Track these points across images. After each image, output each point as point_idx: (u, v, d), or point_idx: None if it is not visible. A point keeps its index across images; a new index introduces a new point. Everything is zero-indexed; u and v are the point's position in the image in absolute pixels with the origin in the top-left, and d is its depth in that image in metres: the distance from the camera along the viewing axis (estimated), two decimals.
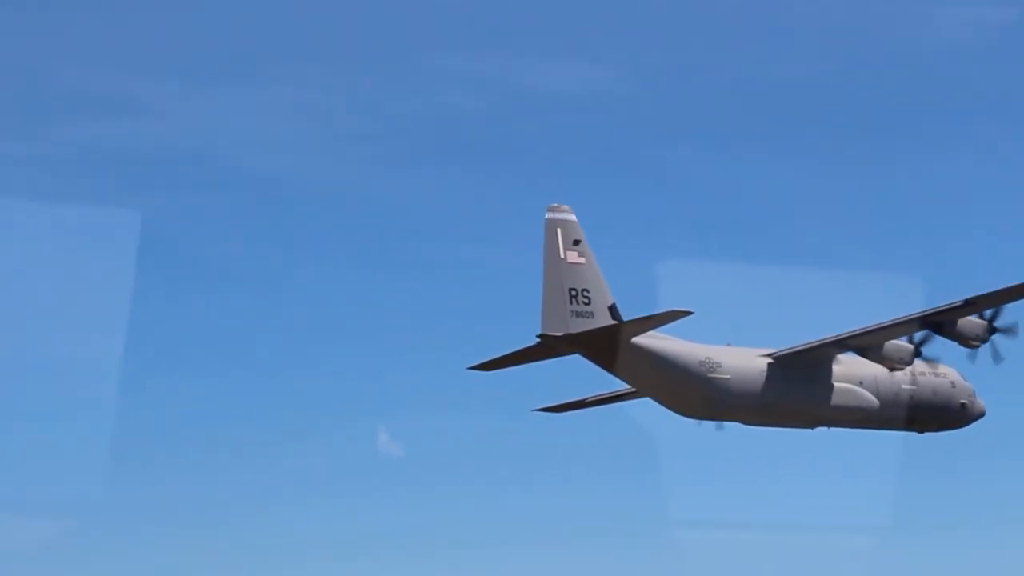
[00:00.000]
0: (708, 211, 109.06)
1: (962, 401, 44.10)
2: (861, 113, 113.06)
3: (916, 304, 40.92)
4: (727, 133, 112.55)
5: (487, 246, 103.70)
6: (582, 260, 40.25)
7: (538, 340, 39.96)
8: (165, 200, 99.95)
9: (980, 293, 39.12)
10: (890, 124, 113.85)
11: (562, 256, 39.96)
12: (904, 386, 43.05)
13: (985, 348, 41.87)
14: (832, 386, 42.07)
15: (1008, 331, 41.42)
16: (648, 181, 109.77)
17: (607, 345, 40.19)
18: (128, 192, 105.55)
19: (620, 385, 44.09)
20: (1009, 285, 38.17)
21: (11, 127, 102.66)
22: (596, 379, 43.50)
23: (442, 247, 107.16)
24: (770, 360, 42.21)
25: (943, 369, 43.89)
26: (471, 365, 43.58)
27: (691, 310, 37.33)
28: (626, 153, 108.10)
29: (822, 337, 42.05)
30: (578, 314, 39.57)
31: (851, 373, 42.37)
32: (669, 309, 38.17)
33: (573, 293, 39.63)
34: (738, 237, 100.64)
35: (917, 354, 42.06)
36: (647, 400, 43.31)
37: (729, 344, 42.84)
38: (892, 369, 42.11)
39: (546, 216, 40.53)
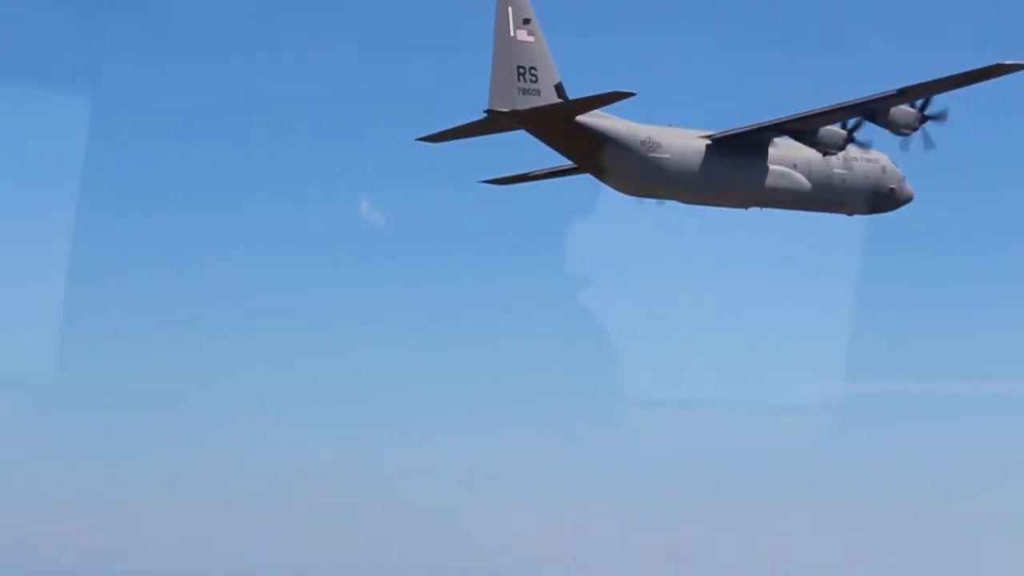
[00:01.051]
0: None
1: (891, 186, 45.85)
2: None
3: (852, 92, 42.11)
4: None
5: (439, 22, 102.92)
6: (531, 39, 40.65)
7: (486, 115, 40.92)
8: None
9: (912, 83, 40.23)
10: None
11: (512, 34, 40.30)
12: (836, 170, 44.61)
13: (916, 136, 43.32)
14: (767, 168, 43.54)
15: (938, 118, 42.79)
16: None
17: (552, 122, 41.26)
18: None
19: (565, 161, 45.53)
20: (940, 76, 39.37)
21: None
22: (542, 155, 44.96)
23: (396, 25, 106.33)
24: (708, 142, 43.47)
25: (875, 155, 45.47)
26: (420, 136, 45.00)
27: (634, 91, 38.27)
28: None
29: (759, 121, 43.33)
30: (525, 91, 40.39)
31: (786, 156, 43.78)
32: (613, 90, 39.07)
33: (521, 71, 40.27)
34: (685, 21, 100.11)
35: (850, 140, 43.46)
36: (589, 176, 44.83)
37: (670, 125, 44.00)
38: (825, 154, 43.50)
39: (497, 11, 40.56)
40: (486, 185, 52.05)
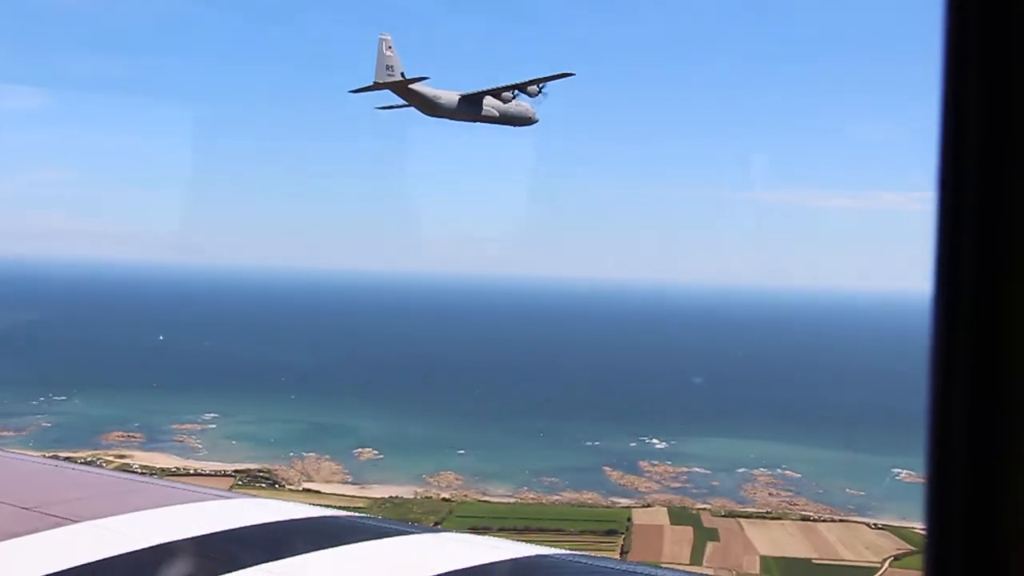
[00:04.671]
0: None
1: (529, 115, 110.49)
2: None
3: (517, 76, 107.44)
4: None
5: None
6: (390, 53, 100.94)
7: (373, 83, 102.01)
8: None
9: (537, 78, 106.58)
10: None
11: (384, 52, 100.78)
12: (509, 107, 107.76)
13: (540, 96, 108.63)
14: (482, 106, 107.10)
15: (543, 91, 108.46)
16: None
17: (397, 87, 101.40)
18: None
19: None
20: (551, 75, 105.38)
21: None
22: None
23: None
24: (459, 96, 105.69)
25: (523, 104, 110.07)
26: (350, 90, 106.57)
27: (428, 76, 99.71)
28: None
29: (479, 89, 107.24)
30: (389, 75, 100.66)
31: (489, 102, 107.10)
32: (417, 76, 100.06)
33: (388, 68, 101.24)
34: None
35: (514, 96, 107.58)
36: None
37: (446, 90, 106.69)
38: (505, 101, 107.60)
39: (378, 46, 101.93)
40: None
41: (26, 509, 8.70)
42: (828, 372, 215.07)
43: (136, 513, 8.68)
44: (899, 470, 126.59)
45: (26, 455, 12.24)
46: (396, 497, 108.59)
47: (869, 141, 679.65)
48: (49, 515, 8.43)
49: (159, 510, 8.89)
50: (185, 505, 9.21)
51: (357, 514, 11.76)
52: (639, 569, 8.20)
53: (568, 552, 8.81)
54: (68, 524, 8.22)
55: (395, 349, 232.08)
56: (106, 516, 8.45)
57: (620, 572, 8.32)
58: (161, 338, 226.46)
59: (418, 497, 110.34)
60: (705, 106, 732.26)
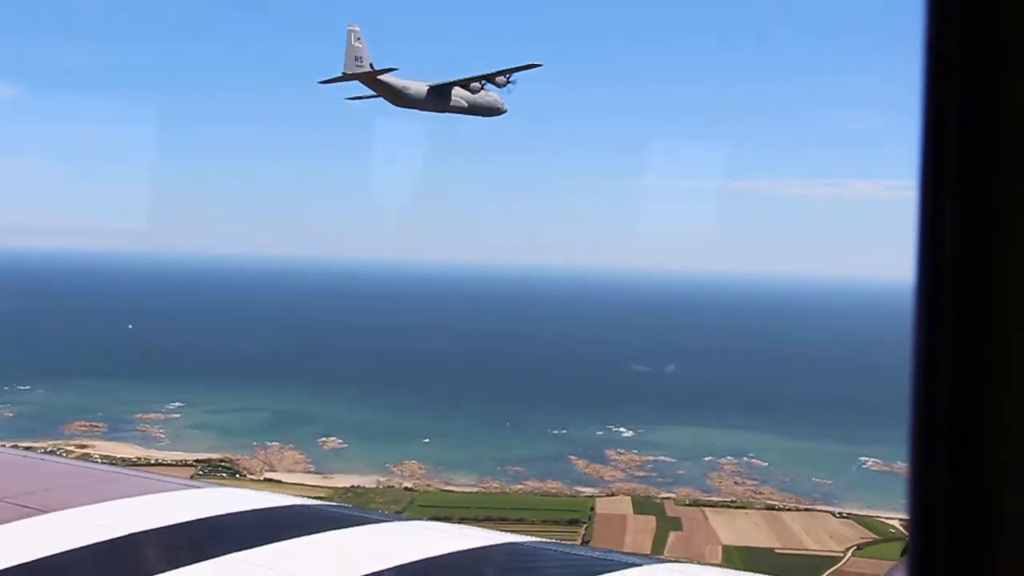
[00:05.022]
0: None
1: (498, 106, 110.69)
2: None
3: (484, 68, 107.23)
4: None
5: None
6: (359, 45, 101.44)
7: (343, 74, 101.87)
8: None
9: (504, 69, 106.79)
10: None
11: (353, 44, 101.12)
12: (477, 97, 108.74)
13: (508, 87, 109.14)
14: (451, 96, 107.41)
15: (512, 82, 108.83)
16: None
17: (366, 78, 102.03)
18: None
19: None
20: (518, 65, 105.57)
21: None
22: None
23: None
24: (428, 86, 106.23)
25: (491, 94, 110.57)
26: (320, 80, 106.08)
27: (397, 67, 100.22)
28: None
29: (450, 80, 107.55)
30: (358, 66, 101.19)
31: (458, 93, 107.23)
32: (386, 67, 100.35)
33: (357, 59, 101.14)
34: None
35: (482, 87, 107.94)
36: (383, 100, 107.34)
37: (413, 80, 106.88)
38: (472, 91, 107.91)
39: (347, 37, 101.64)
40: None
41: None
42: (800, 361, 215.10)
43: (107, 503, 8.65)
44: (866, 459, 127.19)
45: None
46: (358, 486, 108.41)
47: (843, 129, 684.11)
48: (20, 506, 8.38)
49: (130, 500, 8.88)
50: (156, 495, 9.21)
51: (328, 502, 11.80)
52: (610, 556, 8.31)
53: (538, 540, 9.05)
54: (39, 514, 8.19)
55: (369, 338, 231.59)
56: (77, 506, 8.41)
57: (589, 559, 8.39)
58: (130, 327, 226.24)
59: (380, 486, 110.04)
60: (675, 92, 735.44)
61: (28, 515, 8.14)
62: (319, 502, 11.52)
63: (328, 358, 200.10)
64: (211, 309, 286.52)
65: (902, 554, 4.54)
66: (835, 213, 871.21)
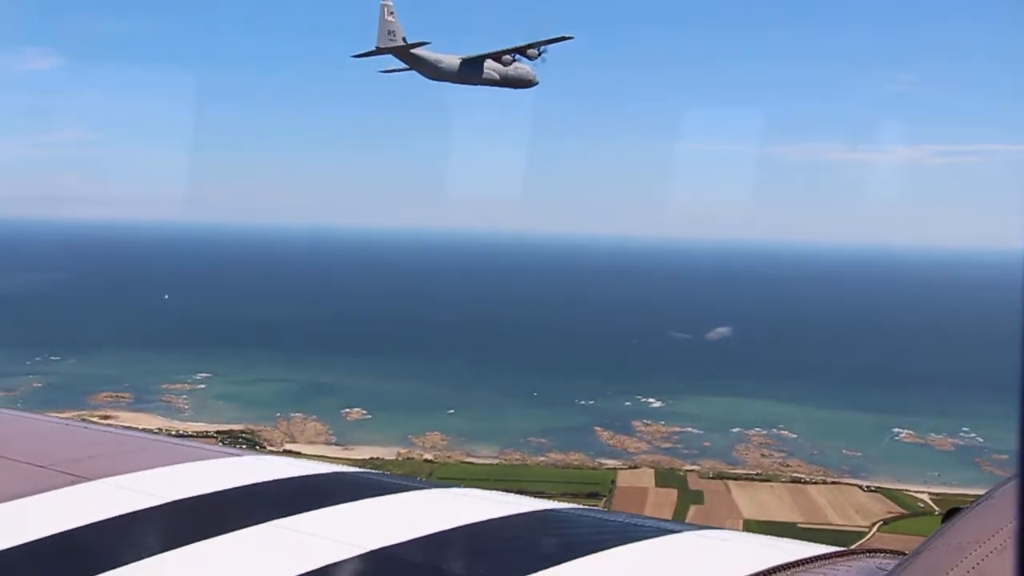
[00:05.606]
0: None
1: (530, 78, 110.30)
2: None
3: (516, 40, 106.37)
4: None
5: None
6: (392, 19, 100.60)
7: (376, 48, 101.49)
8: None
9: (536, 41, 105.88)
10: None
11: (385, 18, 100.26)
12: (510, 69, 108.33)
13: (540, 59, 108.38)
14: (483, 69, 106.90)
15: (543, 54, 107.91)
16: None
17: (399, 52, 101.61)
18: None
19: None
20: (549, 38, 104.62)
21: None
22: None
23: None
24: (460, 59, 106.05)
25: (523, 66, 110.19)
26: (353, 54, 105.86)
27: (429, 41, 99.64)
28: None
29: (482, 52, 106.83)
30: (391, 40, 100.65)
31: (490, 65, 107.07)
32: (419, 41, 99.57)
33: (389, 33, 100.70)
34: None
35: (513, 59, 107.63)
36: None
37: (447, 53, 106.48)
38: (505, 64, 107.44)
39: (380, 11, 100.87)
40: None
41: (40, 467, 8.80)
42: (837, 329, 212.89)
43: (150, 470, 8.79)
44: (900, 430, 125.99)
45: (36, 414, 12.57)
46: (377, 458, 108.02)
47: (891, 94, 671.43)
48: (63, 472, 8.51)
49: (172, 467, 9.02)
50: (197, 463, 9.31)
51: (368, 470, 12.06)
52: (648, 522, 8.30)
53: (575, 506, 8.86)
54: (83, 482, 8.31)
55: (400, 307, 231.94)
56: (119, 474, 8.54)
57: (629, 525, 8.17)
58: (167, 297, 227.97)
59: (400, 458, 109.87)
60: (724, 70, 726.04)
61: (73, 482, 8.26)
62: (360, 470, 11.57)
63: (361, 326, 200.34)
64: (253, 279, 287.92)
65: (944, 519, 4.62)
66: (884, 178, 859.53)
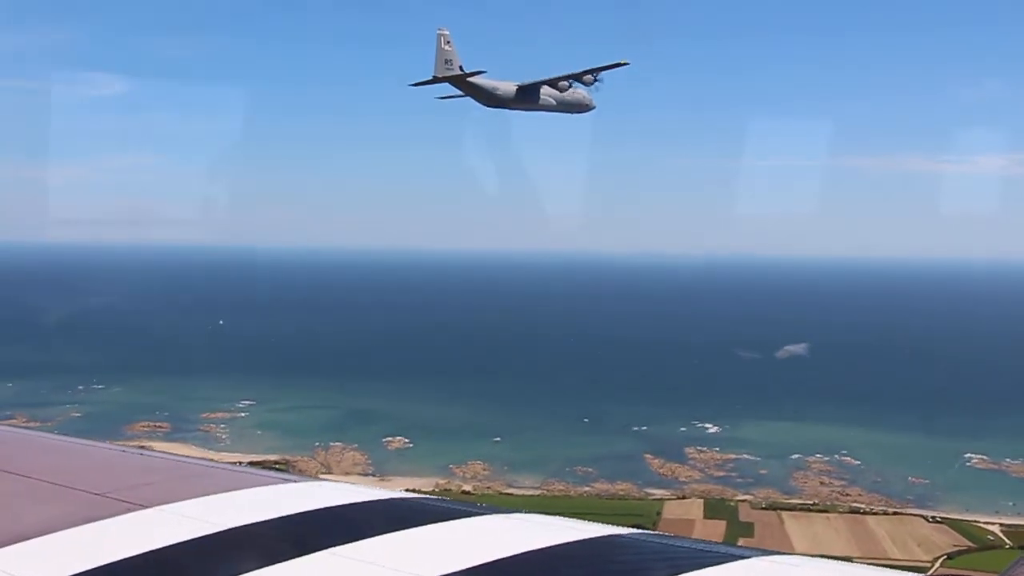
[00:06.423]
0: None
1: (586, 103, 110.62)
2: None
3: (570, 68, 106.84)
4: None
5: None
6: (448, 48, 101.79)
7: (433, 77, 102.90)
8: None
9: (592, 67, 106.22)
10: None
11: (442, 47, 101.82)
12: (566, 95, 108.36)
13: (596, 84, 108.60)
14: (540, 95, 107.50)
15: (599, 80, 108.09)
16: None
17: (457, 80, 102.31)
18: None
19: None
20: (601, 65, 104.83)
21: None
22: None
23: None
24: (516, 86, 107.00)
25: (580, 91, 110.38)
26: (411, 83, 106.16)
27: (484, 70, 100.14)
28: None
29: (537, 79, 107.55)
30: (448, 68, 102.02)
31: (546, 91, 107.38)
32: (476, 70, 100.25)
33: (447, 63, 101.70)
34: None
35: (570, 85, 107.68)
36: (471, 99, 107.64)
37: (503, 80, 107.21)
38: (561, 90, 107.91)
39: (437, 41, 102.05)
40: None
41: (99, 495, 8.87)
42: (915, 349, 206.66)
43: (206, 497, 8.83)
44: (972, 456, 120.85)
45: (94, 442, 12.50)
46: (413, 490, 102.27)
47: (971, 103, 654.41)
48: (121, 500, 8.58)
49: (228, 494, 9.05)
50: (253, 489, 9.33)
51: (428, 496, 12.16)
52: (712, 547, 8.27)
53: (640, 531, 8.74)
54: (140, 509, 8.39)
55: (455, 330, 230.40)
56: (177, 501, 8.63)
57: (692, 550, 8.16)
58: (221, 323, 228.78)
59: (437, 489, 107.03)
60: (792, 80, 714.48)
61: (129, 510, 8.33)
62: (419, 495, 11.49)
63: (416, 351, 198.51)
64: (309, 303, 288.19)
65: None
66: (965, 189, 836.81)
